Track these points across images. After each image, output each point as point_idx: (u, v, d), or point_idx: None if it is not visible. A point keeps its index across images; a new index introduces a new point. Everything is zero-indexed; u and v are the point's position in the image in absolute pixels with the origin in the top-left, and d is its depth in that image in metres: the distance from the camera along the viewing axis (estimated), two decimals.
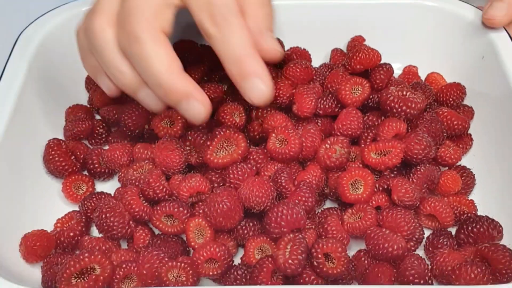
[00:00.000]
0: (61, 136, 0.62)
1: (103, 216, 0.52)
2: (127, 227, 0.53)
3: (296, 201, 0.52)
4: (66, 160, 0.58)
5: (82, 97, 0.67)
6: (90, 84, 0.67)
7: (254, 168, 0.55)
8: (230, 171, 0.54)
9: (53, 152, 0.58)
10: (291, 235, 0.48)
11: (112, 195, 0.57)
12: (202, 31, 0.48)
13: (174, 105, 0.48)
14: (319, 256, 0.47)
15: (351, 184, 0.54)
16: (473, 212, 0.56)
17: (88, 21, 0.51)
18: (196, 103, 0.48)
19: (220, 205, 0.50)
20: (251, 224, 0.52)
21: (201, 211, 0.53)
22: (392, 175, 0.56)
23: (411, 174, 0.55)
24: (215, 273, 0.49)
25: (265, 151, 0.57)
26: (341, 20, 0.70)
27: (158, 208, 0.53)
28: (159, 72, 0.47)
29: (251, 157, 0.56)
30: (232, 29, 0.47)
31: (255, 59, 0.47)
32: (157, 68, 0.47)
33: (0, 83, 0.59)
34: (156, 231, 0.55)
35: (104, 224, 0.52)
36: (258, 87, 0.47)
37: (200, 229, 0.52)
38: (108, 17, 0.49)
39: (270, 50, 0.50)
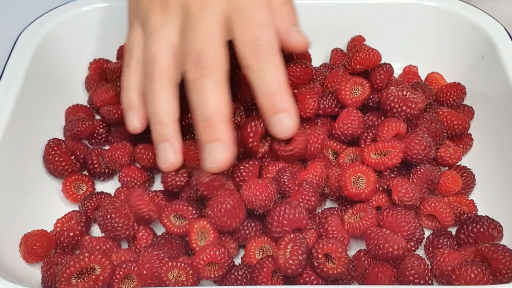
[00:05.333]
0: (61, 136, 0.62)
1: (108, 216, 0.52)
2: (131, 229, 0.53)
3: (300, 199, 0.52)
4: (66, 160, 0.58)
5: (82, 97, 0.67)
6: (90, 84, 0.67)
7: (257, 163, 0.55)
8: (236, 169, 0.54)
9: (53, 152, 0.58)
10: (292, 235, 0.48)
11: (112, 195, 0.57)
12: (241, 62, 0.51)
13: (206, 141, 0.50)
14: (320, 256, 0.47)
15: (354, 179, 0.54)
16: (473, 212, 0.56)
17: (148, 43, 0.52)
18: (222, 150, 0.50)
19: (224, 205, 0.50)
20: (252, 224, 0.52)
21: (204, 213, 0.53)
22: (392, 175, 0.56)
23: (411, 174, 0.55)
24: (216, 275, 0.49)
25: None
26: (341, 20, 0.70)
27: (168, 206, 0.53)
28: (212, 108, 0.49)
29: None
30: (270, 65, 0.50)
31: (286, 96, 0.50)
32: (211, 104, 0.49)
33: (0, 83, 0.59)
34: (159, 231, 0.55)
35: (108, 225, 0.52)
36: (285, 122, 0.51)
37: (204, 232, 0.52)
38: (169, 43, 0.52)
39: (298, 44, 0.54)
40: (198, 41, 0.50)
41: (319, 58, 0.70)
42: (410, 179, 0.55)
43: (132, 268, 0.49)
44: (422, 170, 0.55)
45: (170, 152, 0.52)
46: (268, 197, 0.51)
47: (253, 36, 0.50)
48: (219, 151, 0.49)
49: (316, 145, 0.56)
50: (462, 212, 0.55)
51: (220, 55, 0.50)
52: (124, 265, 0.49)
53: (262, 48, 0.50)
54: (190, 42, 0.50)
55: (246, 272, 0.50)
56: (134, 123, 0.55)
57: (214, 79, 0.49)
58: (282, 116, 0.50)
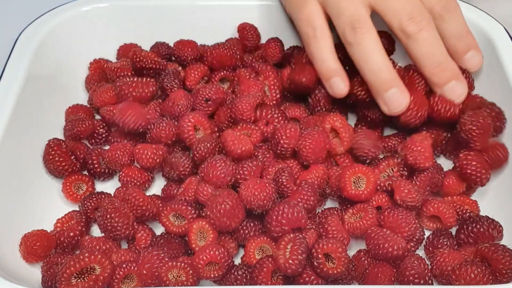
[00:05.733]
0: (61, 136, 0.62)
1: (108, 216, 0.52)
2: (130, 228, 0.53)
3: (299, 199, 0.52)
4: (66, 160, 0.58)
5: (82, 97, 0.67)
6: (90, 84, 0.67)
7: (260, 164, 0.55)
8: (239, 167, 0.54)
9: (53, 152, 0.58)
10: (292, 235, 0.48)
11: (112, 195, 0.58)
12: (398, 30, 0.57)
13: (445, 82, 0.57)
14: (319, 256, 0.47)
15: (354, 180, 0.54)
16: (476, 212, 0.55)
17: (342, 5, 0.57)
18: (463, 82, 0.58)
19: (223, 205, 0.50)
20: (251, 224, 0.52)
21: (203, 214, 0.53)
22: (394, 179, 0.55)
23: (414, 177, 0.55)
24: (216, 275, 0.49)
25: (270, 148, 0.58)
26: None
27: (168, 205, 0.53)
28: (442, 53, 0.57)
29: (259, 154, 0.57)
30: (430, 35, 0.57)
31: (451, 62, 0.58)
32: (441, 50, 0.58)
33: (0, 83, 0.59)
34: (158, 231, 0.55)
35: (108, 224, 0.52)
36: (457, 89, 0.58)
37: (203, 232, 0.52)
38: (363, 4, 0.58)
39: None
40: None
41: None
42: (414, 182, 0.55)
43: (132, 268, 0.49)
44: (425, 173, 0.55)
45: (400, 95, 0.56)
46: (266, 196, 0.51)
47: (407, 10, 0.56)
48: (460, 86, 0.57)
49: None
50: (464, 211, 0.55)
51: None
52: (124, 265, 0.49)
53: (419, 14, 0.56)
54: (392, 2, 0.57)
55: (246, 272, 0.50)
56: (342, 87, 0.58)
57: (432, 30, 0.56)
58: (454, 84, 0.57)
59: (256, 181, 0.52)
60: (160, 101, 0.63)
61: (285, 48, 0.69)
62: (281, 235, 0.49)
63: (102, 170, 0.60)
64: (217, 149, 0.56)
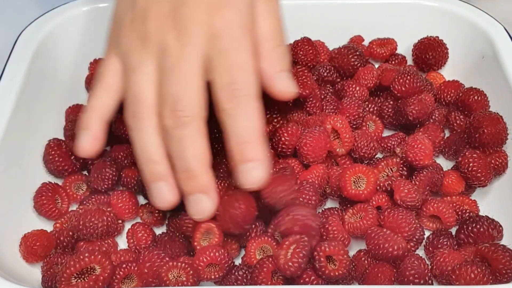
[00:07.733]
0: (61, 136, 0.62)
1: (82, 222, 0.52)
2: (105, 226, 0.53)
3: (300, 199, 0.52)
4: (66, 160, 0.58)
5: (82, 97, 0.67)
6: (90, 84, 0.67)
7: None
8: None
9: (53, 152, 0.58)
10: (297, 237, 0.48)
11: (112, 195, 0.57)
12: (217, 106, 0.48)
13: (190, 192, 0.48)
14: (321, 259, 0.47)
15: (354, 180, 0.54)
16: (476, 211, 0.56)
17: (130, 80, 0.50)
18: (208, 200, 0.49)
19: (234, 211, 0.49)
20: (253, 225, 0.52)
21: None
22: (394, 178, 0.56)
23: (413, 177, 0.55)
24: (216, 276, 0.49)
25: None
26: (341, 20, 0.70)
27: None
28: (193, 158, 0.47)
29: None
30: (246, 111, 0.48)
31: (259, 145, 0.48)
32: (191, 154, 0.47)
33: (0, 83, 0.59)
34: (158, 231, 0.55)
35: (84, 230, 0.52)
36: (252, 173, 0.48)
37: (209, 233, 0.51)
38: (150, 81, 0.49)
39: (281, 93, 0.51)
40: (176, 85, 0.48)
41: None
42: (413, 181, 0.55)
43: (132, 268, 0.49)
44: (424, 173, 0.55)
45: (166, 191, 0.49)
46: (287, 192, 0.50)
47: (231, 79, 0.48)
48: (205, 202, 0.49)
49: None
50: (464, 211, 0.55)
51: (199, 101, 0.48)
52: (124, 265, 0.49)
53: (240, 93, 0.47)
54: (168, 84, 0.48)
55: (246, 272, 0.50)
56: (84, 143, 0.51)
57: (193, 127, 0.47)
58: (251, 166, 0.48)
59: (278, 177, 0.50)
60: None
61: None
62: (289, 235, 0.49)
63: None
64: None
